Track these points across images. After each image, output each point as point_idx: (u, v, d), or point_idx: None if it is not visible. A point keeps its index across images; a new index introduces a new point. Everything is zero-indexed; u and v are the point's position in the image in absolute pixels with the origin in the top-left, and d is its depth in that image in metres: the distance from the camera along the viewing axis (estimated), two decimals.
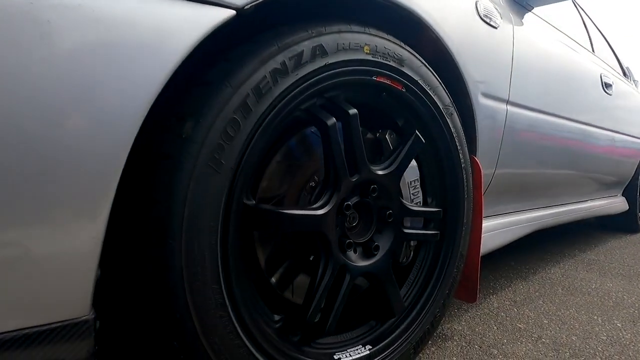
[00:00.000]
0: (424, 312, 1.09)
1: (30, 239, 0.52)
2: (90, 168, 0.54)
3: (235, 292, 0.72)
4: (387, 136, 1.06)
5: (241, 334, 0.73)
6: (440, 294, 1.13)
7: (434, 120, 1.05)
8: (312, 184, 0.94)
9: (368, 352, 0.98)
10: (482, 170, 1.28)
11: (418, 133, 1.01)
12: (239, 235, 0.76)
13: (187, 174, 0.64)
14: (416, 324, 1.07)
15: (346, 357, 0.94)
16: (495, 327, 1.45)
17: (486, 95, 1.27)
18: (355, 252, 0.97)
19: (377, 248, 0.98)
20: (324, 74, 0.80)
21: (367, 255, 0.98)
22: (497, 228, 1.60)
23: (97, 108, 0.54)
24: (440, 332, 1.37)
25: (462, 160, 1.14)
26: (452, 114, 1.09)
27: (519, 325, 1.48)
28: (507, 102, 1.40)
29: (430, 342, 1.30)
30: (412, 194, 1.09)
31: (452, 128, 1.09)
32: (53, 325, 0.56)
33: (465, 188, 1.16)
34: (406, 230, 1.04)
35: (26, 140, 0.49)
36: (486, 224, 1.56)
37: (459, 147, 1.12)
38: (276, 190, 0.91)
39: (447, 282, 1.14)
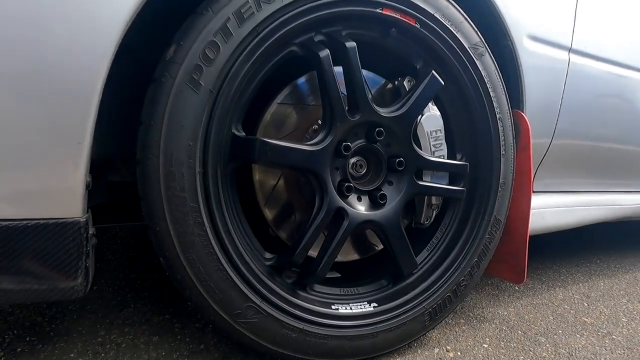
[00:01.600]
0: (444, 277, 0.98)
1: (20, 135, 0.59)
2: (76, 68, 0.60)
3: (216, 215, 0.73)
4: (405, 82, 0.98)
5: (221, 257, 0.74)
6: (466, 261, 1.00)
7: (458, 61, 0.94)
8: (316, 127, 0.91)
9: (372, 309, 0.91)
10: (530, 129, 1.11)
11: (435, 73, 0.92)
12: (227, 162, 0.77)
13: (166, 93, 0.68)
14: (434, 289, 0.97)
15: (345, 309, 0.89)
16: (552, 318, 1.23)
17: (536, 39, 1.09)
18: (360, 199, 0.92)
19: (383, 197, 0.91)
20: (316, 2, 0.78)
21: (373, 204, 0.92)
22: (560, 205, 1.37)
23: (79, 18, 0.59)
24: (478, 314, 1.21)
25: (497, 111, 1.00)
26: (482, 55, 0.97)
27: (585, 319, 1.24)
28: (570, 50, 1.18)
29: (463, 320, 1.16)
30: (434, 145, 0.98)
31: (482, 71, 0.96)
32: (42, 221, 0.63)
33: (502, 144, 1.02)
34: (421, 183, 0.94)
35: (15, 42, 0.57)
36: (547, 198, 1.35)
37: (492, 94, 0.99)
38: (281, 131, 0.91)
39: (476, 248, 1.01)
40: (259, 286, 0.78)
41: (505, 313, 1.24)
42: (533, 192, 1.35)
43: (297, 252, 0.81)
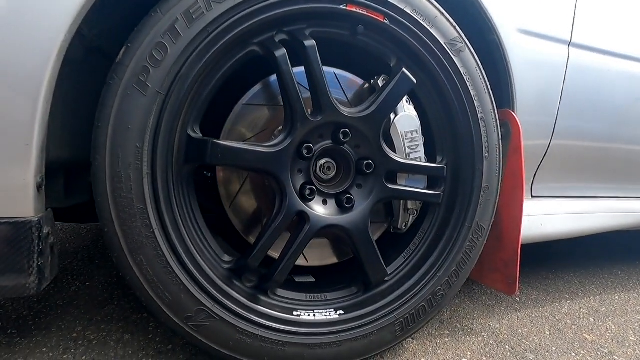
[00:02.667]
0: (419, 287, 0.93)
1: None
2: (18, 62, 0.61)
3: (166, 217, 0.73)
4: (379, 81, 0.93)
5: (170, 260, 0.73)
6: (444, 270, 0.94)
7: (434, 58, 0.89)
8: (281, 127, 0.89)
9: (337, 316, 0.88)
10: (520, 129, 1.03)
11: (405, 71, 0.87)
12: (182, 164, 0.77)
13: (113, 95, 0.68)
14: (406, 298, 0.92)
15: (308, 316, 0.86)
16: (549, 333, 1.14)
17: (528, 33, 1.02)
18: (325, 202, 0.89)
19: (350, 201, 0.88)
20: (270, 1, 0.76)
21: (340, 208, 0.89)
22: (564, 211, 1.27)
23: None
24: (467, 325, 1.15)
25: (479, 110, 0.94)
26: (461, 51, 0.91)
27: (586, 336, 1.14)
28: (570, 44, 1.09)
29: (448, 332, 1.10)
30: (409, 147, 0.94)
31: (461, 68, 0.91)
32: None
33: (485, 145, 0.95)
34: (391, 186, 0.90)
35: None
36: (549, 204, 1.25)
37: (472, 93, 0.92)
38: (246, 133, 0.90)
39: (455, 256, 0.95)
40: (211, 289, 0.77)
41: (497, 326, 1.17)
42: (532, 196, 1.27)
43: (252, 255, 0.79)
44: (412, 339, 1.04)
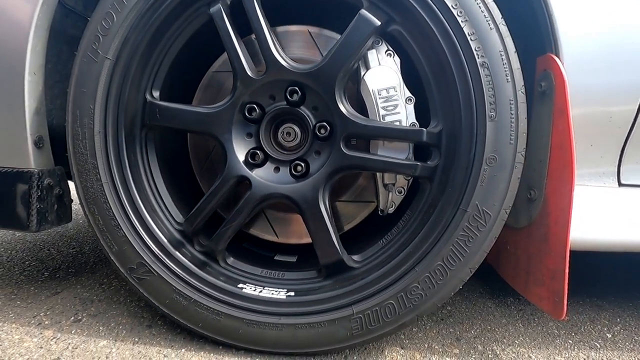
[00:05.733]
0: (388, 280, 0.75)
1: None
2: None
3: (115, 174, 0.79)
4: None
5: (116, 214, 0.79)
6: (423, 264, 0.73)
7: None
8: None
9: (284, 297, 0.79)
10: (565, 81, 0.72)
11: (364, 11, 0.72)
12: (142, 126, 0.82)
13: (75, 64, 0.78)
14: (370, 291, 0.75)
15: (253, 290, 0.80)
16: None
17: None
18: (277, 170, 0.81)
19: (299, 169, 0.78)
20: None
21: (292, 176, 0.80)
22: None
23: None
24: (490, 348, 0.86)
25: (479, 53, 0.69)
26: None
27: None
28: None
29: (457, 350, 0.85)
30: (383, 107, 0.77)
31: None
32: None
33: (491, 101, 0.70)
34: (351, 153, 0.75)
35: None
36: None
37: (466, 30, 0.69)
38: (216, 99, 0.90)
39: (440, 248, 0.73)
40: (153, 245, 0.80)
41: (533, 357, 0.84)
42: (620, 184, 0.87)
43: (187, 218, 0.78)
44: (401, 347, 0.85)
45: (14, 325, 0.88)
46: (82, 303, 0.99)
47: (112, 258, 0.81)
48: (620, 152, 0.83)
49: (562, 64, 0.73)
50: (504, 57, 0.69)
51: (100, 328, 0.88)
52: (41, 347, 0.79)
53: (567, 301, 1.07)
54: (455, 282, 0.74)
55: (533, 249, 0.85)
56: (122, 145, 0.80)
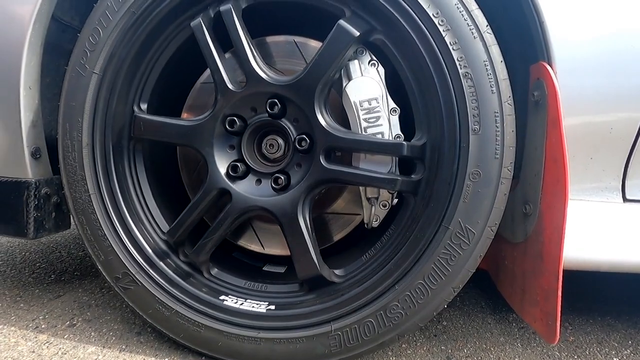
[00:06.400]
0: (367, 297, 0.73)
1: None
2: None
3: (102, 185, 0.81)
4: None
5: (103, 224, 0.81)
6: (405, 282, 0.71)
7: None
8: None
9: (264, 311, 0.78)
10: (557, 91, 0.68)
11: (342, 22, 0.70)
12: (130, 138, 0.84)
13: (65, 78, 0.81)
14: (349, 308, 0.73)
15: (234, 303, 0.80)
16: None
17: None
18: (259, 182, 0.81)
19: (279, 182, 0.77)
20: None
21: (273, 189, 0.79)
22: None
23: None
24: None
25: (461, 63, 0.66)
26: None
27: None
28: None
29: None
30: (365, 119, 0.75)
31: (426, 8, 0.66)
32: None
33: (474, 113, 0.66)
34: (331, 167, 0.74)
35: None
36: None
37: (447, 39, 0.66)
38: (204, 111, 0.90)
39: (421, 266, 0.70)
40: (137, 256, 0.81)
41: None
42: (625, 199, 0.81)
43: (168, 230, 0.79)
44: None
45: (12, 328, 0.92)
46: (79, 307, 1.02)
47: (99, 267, 0.83)
48: (624, 165, 0.77)
49: (555, 73, 0.69)
50: (488, 67, 0.66)
51: (92, 334, 0.90)
52: (33, 352, 0.83)
53: (575, 319, 1.01)
54: (438, 302, 0.71)
55: (528, 266, 0.80)
56: (109, 158, 0.82)
